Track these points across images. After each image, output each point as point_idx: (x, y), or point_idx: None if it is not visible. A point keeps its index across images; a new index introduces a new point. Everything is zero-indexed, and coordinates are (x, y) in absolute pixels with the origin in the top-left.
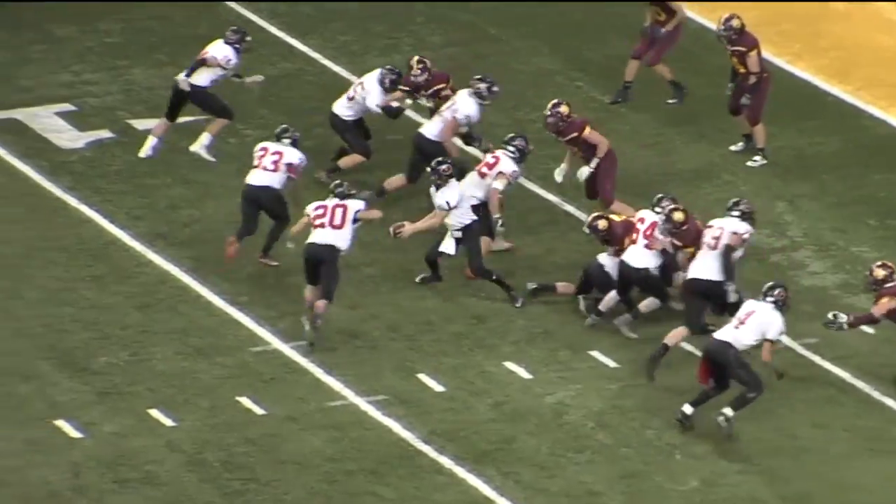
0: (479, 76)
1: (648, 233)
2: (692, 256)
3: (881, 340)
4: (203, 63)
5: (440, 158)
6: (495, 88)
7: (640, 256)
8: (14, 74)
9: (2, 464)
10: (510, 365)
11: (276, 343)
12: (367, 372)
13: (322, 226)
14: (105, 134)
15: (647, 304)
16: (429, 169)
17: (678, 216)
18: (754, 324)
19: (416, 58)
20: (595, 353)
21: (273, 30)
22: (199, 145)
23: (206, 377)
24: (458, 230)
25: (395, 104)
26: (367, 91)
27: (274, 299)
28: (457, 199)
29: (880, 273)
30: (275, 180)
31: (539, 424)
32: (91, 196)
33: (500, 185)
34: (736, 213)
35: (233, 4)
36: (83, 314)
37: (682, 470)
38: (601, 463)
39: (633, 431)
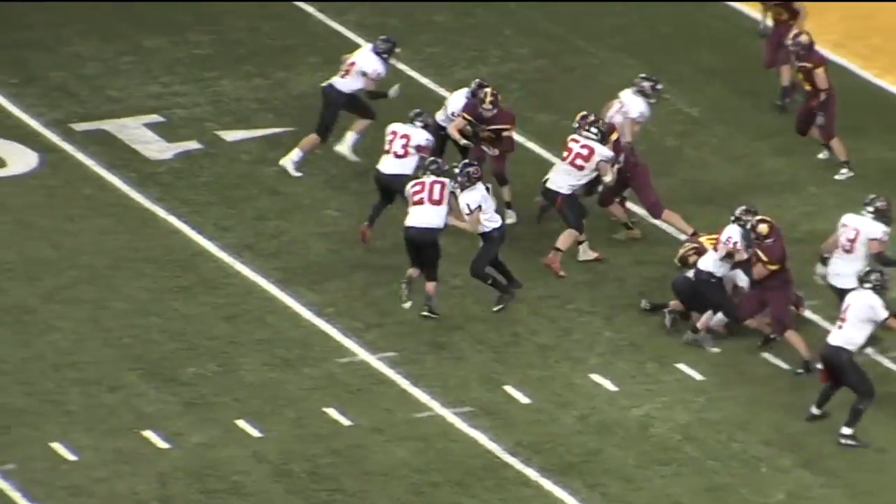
0: (643, 75)
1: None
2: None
3: None
4: (349, 71)
5: (468, 160)
6: (659, 86)
7: (708, 261)
8: (103, 85)
9: (89, 474)
10: (596, 377)
11: (363, 354)
12: (453, 383)
13: (421, 202)
14: (193, 145)
15: (717, 320)
16: (457, 169)
17: (763, 228)
18: (856, 316)
19: (489, 90)
20: (681, 366)
21: (361, 42)
22: (345, 146)
23: (292, 388)
24: (480, 234)
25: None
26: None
27: (361, 311)
28: (479, 202)
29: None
30: (406, 166)
31: (625, 437)
32: (179, 207)
33: (608, 177)
34: (870, 211)
35: (321, 16)
36: (171, 325)
37: (768, 483)
38: (687, 475)
39: (719, 444)
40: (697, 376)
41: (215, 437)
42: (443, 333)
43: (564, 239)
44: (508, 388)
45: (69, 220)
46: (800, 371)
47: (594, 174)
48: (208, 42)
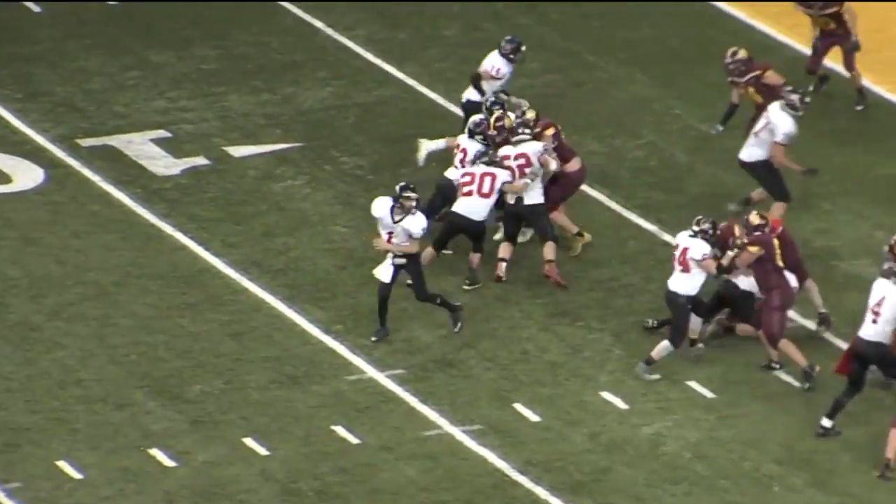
0: (790, 87)
1: (682, 258)
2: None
3: None
4: (479, 77)
5: (405, 183)
6: (807, 99)
7: (679, 282)
8: (109, 100)
9: (95, 493)
10: (606, 395)
11: (371, 372)
12: (462, 401)
13: (470, 193)
14: (200, 161)
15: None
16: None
17: (753, 218)
18: (892, 310)
19: (528, 106)
20: (692, 384)
21: (369, 56)
22: (426, 149)
23: (300, 406)
24: (401, 257)
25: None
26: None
27: (369, 328)
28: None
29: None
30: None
31: (635, 455)
32: (186, 223)
33: (553, 166)
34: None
35: (329, 31)
36: (177, 342)
37: (780, 502)
38: (698, 494)
39: (730, 463)
40: (708, 394)
41: (222, 455)
42: (451, 351)
43: (549, 249)
44: (518, 406)
45: (75, 236)
46: (808, 385)
47: (541, 171)
48: (215, 57)
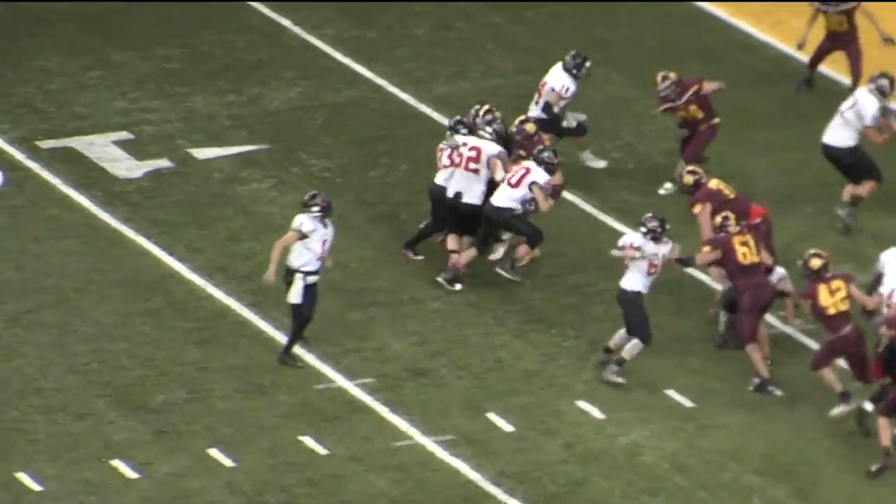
0: (880, 72)
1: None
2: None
3: None
4: (549, 105)
5: (313, 192)
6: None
7: (627, 280)
8: (70, 101)
9: None
10: (582, 404)
11: (340, 381)
12: (433, 411)
13: (501, 180)
14: (163, 163)
15: (630, 348)
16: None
17: (687, 178)
18: None
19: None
20: (671, 392)
21: (338, 56)
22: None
23: (266, 416)
24: (313, 274)
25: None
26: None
27: (337, 335)
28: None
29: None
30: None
31: (612, 466)
32: (148, 227)
33: (498, 174)
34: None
35: (297, 30)
36: (140, 350)
37: None
38: None
39: (709, 474)
40: (687, 403)
41: (186, 466)
42: (423, 359)
43: (463, 251)
44: (491, 416)
45: (34, 241)
46: (753, 388)
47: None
48: (179, 56)
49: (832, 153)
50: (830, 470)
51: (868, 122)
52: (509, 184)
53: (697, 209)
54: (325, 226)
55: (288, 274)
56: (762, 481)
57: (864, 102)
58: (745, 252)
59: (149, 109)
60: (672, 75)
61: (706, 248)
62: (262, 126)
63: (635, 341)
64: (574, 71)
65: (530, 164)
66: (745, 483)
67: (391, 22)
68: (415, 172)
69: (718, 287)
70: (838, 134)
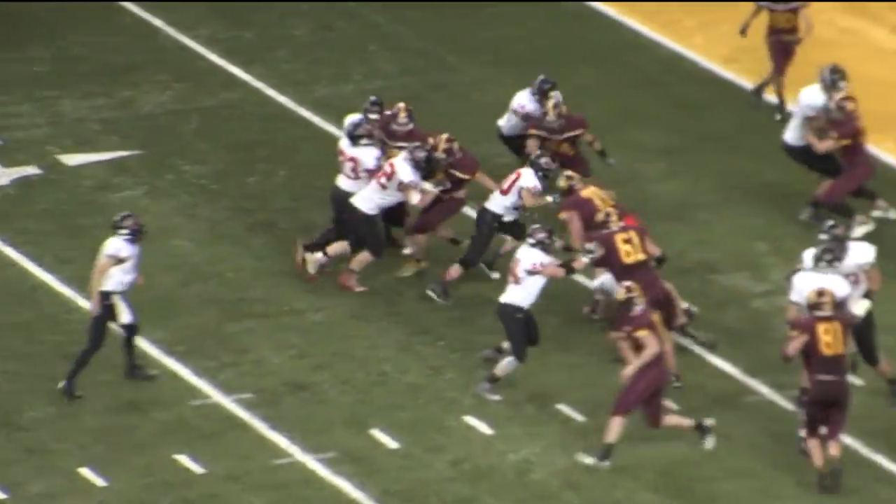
0: (831, 65)
1: (513, 271)
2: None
3: None
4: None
5: (123, 215)
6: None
7: (509, 294)
8: None
9: None
10: (470, 419)
11: (217, 396)
12: (314, 427)
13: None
14: (31, 170)
15: (504, 365)
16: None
17: (562, 183)
18: None
19: (403, 105)
20: (562, 407)
21: (213, 57)
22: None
23: (140, 433)
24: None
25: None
26: None
27: (213, 349)
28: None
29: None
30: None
31: (501, 484)
32: (16, 237)
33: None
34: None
35: (170, 30)
36: (7, 364)
37: None
38: None
39: (602, 491)
40: (579, 417)
41: (56, 486)
42: (303, 373)
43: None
44: (375, 432)
45: None
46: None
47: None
48: (48, 58)
49: (790, 151)
50: (729, 487)
51: (809, 113)
52: (501, 191)
53: (564, 216)
54: (136, 247)
55: (105, 298)
56: (657, 499)
57: (807, 96)
58: (629, 250)
59: (16, 114)
60: (563, 108)
61: (588, 244)
62: (134, 131)
63: (510, 359)
64: (536, 96)
65: (523, 168)
66: (640, 501)
67: (269, 22)
68: (294, 178)
69: (599, 297)
70: (795, 133)
